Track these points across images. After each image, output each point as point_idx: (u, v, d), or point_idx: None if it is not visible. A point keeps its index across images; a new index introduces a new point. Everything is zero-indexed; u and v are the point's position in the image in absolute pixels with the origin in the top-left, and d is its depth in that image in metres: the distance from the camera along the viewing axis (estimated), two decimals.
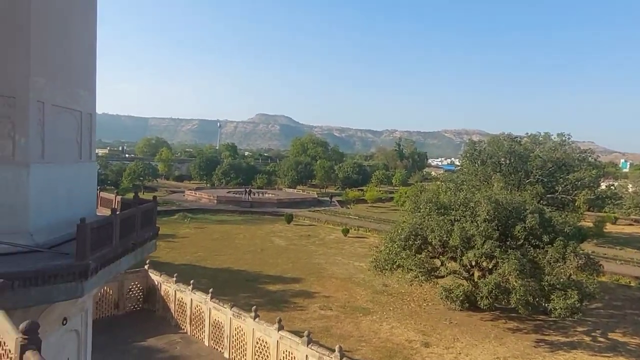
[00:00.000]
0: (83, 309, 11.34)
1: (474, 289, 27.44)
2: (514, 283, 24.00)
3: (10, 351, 3.39)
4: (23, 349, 3.15)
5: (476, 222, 26.44)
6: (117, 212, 10.74)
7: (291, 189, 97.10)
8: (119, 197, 15.14)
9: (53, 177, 10.61)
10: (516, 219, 27.32)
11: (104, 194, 15.99)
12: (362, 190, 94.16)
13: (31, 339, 3.18)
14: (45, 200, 10.17)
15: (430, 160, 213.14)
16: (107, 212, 13.13)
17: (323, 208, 75.06)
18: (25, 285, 7.60)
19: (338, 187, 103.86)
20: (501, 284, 24.75)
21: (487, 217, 26.40)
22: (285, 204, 75.40)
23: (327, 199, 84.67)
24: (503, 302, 26.01)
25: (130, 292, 26.57)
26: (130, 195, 16.35)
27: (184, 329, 24.04)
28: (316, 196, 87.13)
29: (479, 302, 26.10)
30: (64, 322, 10.07)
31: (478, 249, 25.52)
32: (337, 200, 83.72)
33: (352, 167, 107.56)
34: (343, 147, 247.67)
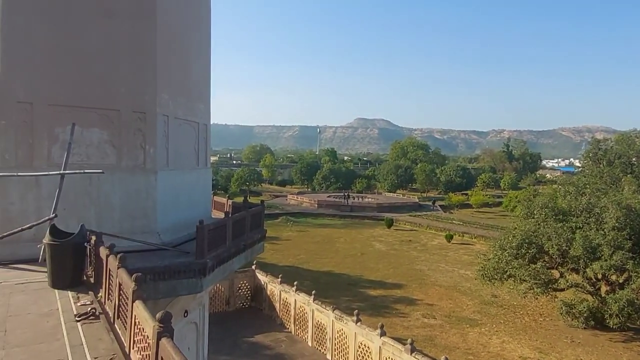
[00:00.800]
0: (201, 304, 12.40)
1: (600, 305, 24.67)
2: None
3: (148, 337, 3.85)
4: (159, 336, 3.57)
5: (603, 230, 23.91)
6: (230, 215, 11.56)
7: (391, 193, 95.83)
8: (230, 201, 16.36)
9: (176, 182, 11.84)
10: None
11: (217, 198, 17.40)
12: (466, 194, 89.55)
13: (166, 328, 3.58)
14: (170, 203, 11.37)
15: (544, 162, 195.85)
16: (220, 214, 14.26)
17: (424, 213, 72.86)
18: (155, 280, 8.56)
19: (440, 191, 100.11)
20: (635, 300, 22.12)
21: (617, 224, 23.75)
22: (386, 208, 74.70)
23: (429, 203, 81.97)
24: (638, 322, 22.96)
25: (240, 290, 28.42)
26: (239, 200, 17.58)
27: (288, 328, 24.98)
28: (417, 200, 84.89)
29: (607, 321, 23.37)
30: (185, 314, 11.10)
31: (605, 260, 22.95)
32: (440, 205, 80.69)
33: (455, 170, 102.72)
34: (445, 149, 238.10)
